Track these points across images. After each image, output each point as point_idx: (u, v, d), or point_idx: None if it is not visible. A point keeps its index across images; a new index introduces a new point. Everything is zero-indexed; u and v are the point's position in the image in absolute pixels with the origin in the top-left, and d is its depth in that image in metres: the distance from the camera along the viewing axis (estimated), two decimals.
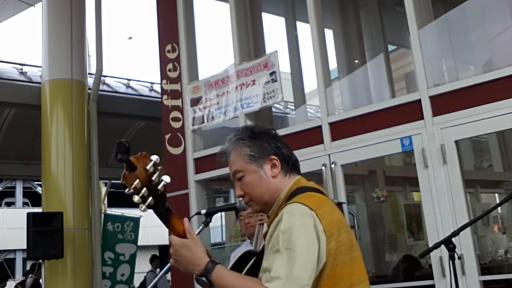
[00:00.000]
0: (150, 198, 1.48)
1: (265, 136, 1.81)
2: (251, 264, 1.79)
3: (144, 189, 1.46)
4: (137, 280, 10.50)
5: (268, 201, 1.78)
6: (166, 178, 1.51)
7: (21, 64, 9.10)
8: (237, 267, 1.81)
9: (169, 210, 1.58)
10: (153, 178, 1.47)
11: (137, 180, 1.45)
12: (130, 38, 26.30)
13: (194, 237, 1.63)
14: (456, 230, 2.87)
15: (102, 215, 9.80)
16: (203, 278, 1.59)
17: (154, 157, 1.49)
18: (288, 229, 1.56)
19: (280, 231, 1.57)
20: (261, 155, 1.77)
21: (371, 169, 6.93)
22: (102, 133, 7.86)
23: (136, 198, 1.46)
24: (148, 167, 1.47)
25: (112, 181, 12.68)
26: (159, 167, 1.49)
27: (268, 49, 6.12)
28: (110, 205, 14.63)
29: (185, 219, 1.66)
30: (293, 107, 8.15)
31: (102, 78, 8.38)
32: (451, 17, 5.30)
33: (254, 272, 1.66)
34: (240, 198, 1.85)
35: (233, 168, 1.80)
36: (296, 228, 1.56)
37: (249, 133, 1.80)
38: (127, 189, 1.46)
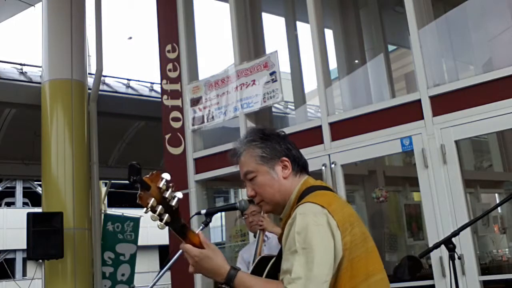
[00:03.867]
0: (167, 215, 1.54)
1: (276, 138, 1.85)
2: (269, 267, 1.83)
3: (160, 206, 1.52)
4: (137, 280, 10.49)
5: (279, 201, 1.81)
6: (179, 194, 1.57)
7: (21, 64, 9.09)
8: (256, 272, 1.87)
9: (185, 226, 1.63)
10: (166, 195, 1.54)
11: (152, 199, 1.51)
12: (130, 38, 26.34)
13: (211, 247, 1.66)
14: (456, 230, 2.87)
15: (102, 215, 9.80)
16: (225, 286, 1.63)
17: (166, 175, 1.55)
18: (303, 229, 1.60)
19: (295, 232, 1.61)
20: (272, 156, 1.81)
21: (371, 169, 6.93)
22: (102, 133, 7.86)
23: (153, 217, 1.53)
24: (160, 185, 1.53)
25: (112, 181, 12.67)
26: (170, 184, 1.55)
27: (268, 49, 6.13)
28: (110, 205, 14.62)
29: (199, 232, 1.71)
30: (293, 107, 8.15)
31: (102, 78, 8.38)
32: (451, 17, 5.30)
33: (273, 274, 1.71)
34: (241, 199, 1.87)
35: (244, 169, 1.83)
36: (311, 228, 1.60)
37: (260, 135, 1.84)
38: (144, 209, 1.52)
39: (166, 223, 1.55)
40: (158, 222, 1.54)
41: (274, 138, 1.84)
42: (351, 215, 1.70)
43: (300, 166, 1.84)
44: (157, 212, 1.52)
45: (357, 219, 1.72)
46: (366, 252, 1.67)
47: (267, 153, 1.80)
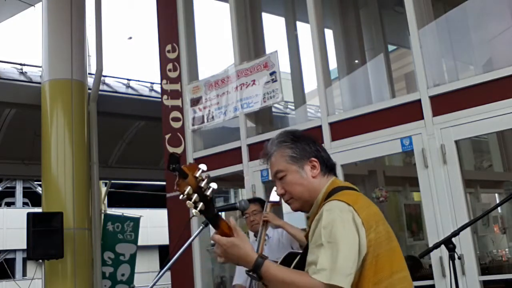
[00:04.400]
0: (201, 203, 1.60)
1: (306, 140, 1.94)
2: (296, 261, 1.88)
3: (195, 195, 1.59)
4: (137, 280, 10.49)
5: (307, 199, 1.89)
6: (213, 185, 1.63)
7: (21, 64, 9.09)
8: (284, 265, 1.90)
9: (217, 215, 1.69)
10: (202, 185, 1.60)
11: (189, 187, 1.57)
12: (130, 38, 26.34)
13: (241, 234, 1.71)
14: (456, 230, 2.86)
15: (102, 215, 9.79)
16: (253, 273, 1.69)
17: (202, 166, 1.62)
18: (329, 224, 1.68)
19: (321, 227, 1.68)
20: (302, 156, 1.89)
21: (371, 169, 6.93)
22: (102, 133, 7.86)
23: (188, 204, 1.59)
24: (197, 175, 1.60)
25: (112, 181, 12.67)
26: (206, 175, 1.61)
27: (268, 49, 6.13)
28: (110, 205, 14.62)
29: (231, 218, 1.75)
30: (293, 107, 8.15)
31: (102, 78, 8.37)
32: (451, 17, 5.30)
33: (299, 269, 1.76)
34: (241, 199, 1.89)
35: (275, 168, 1.92)
36: (336, 223, 1.68)
37: (291, 136, 1.93)
38: (180, 196, 1.59)
39: (201, 211, 1.60)
40: (193, 210, 1.60)
41: (304, 140, 1.93)
42: (376, 214, 1.77)
43: (329, 167, 1.93)
44: (193, 200, 1.58)
45: (382, 218, 1.79)
46: (391, 250, 1.74)
47: (297, 153, 1.89)
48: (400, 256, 1.78)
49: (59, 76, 7.27)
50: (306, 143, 1.92)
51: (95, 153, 7.65)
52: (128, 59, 25.85)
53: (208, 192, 1.61)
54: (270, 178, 1.99)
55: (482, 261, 6.38)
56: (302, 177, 1.87)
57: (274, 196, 3.65)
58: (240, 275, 4.10)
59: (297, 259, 1.89)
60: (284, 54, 7.04)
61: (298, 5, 6.93)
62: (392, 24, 8.27)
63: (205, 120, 5.90)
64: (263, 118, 6.09)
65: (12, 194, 23.85)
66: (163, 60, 6.41)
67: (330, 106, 5.09)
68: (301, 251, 1.97)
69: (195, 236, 2.27)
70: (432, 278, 4.18)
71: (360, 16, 7.86)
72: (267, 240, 4.06)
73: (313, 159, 1.89)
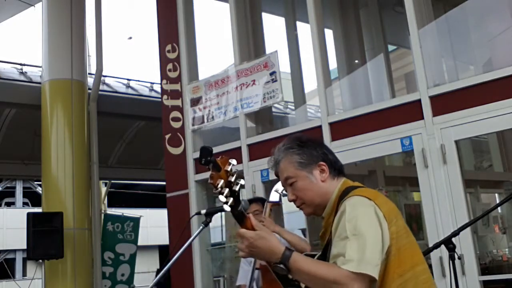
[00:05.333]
0: (231, 199, 1.62)
1: (313, 144, 1.96)
2: (317, 257, 1.89)
3: (227, 189, 1.61)
4: (137, 280, 10.49)
5: (319, 203, 1.91)
6: (242, 181, 1.65)
7: (21, 64, 9.09)
8: None
9: (242, 212, 1.71)
10: (232, 180, 1.62)
11: (222, 181, 1.60)
12: (130, 38, 26.35)
13: (264, 229, 1.74)
14: (456, 230, 2.86)
15: (102, 215, 9.80)
16: (281, 265, 1.68)
17: (233, 161, 1.65)
18: (353, 218, 1.70)
19: (346, 221, 1.70)
20: (310, 161, 1.91)
21: (371, 169, 6.92)
22: (102, 133, 7.86)
23: (221, 198, 1.60)
24: (228, 169, 1.62)
25: (112, 181, 12.67)
26: (236, 169, 1.63)
27: (268, 49, 6.13)
28: (110, 205, 14.63)
29: (250, 215, 1.76)
30: (293, 107, 8.15)
31: (102, 78, 8.38)
32: (451, 17, 5.30)
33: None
34: (241, 199, 1.89)
35: (284, 175, 1.93)
36: (360, 216, 1.70)
37: (297, 142, 1.95)
38: (213, 189, 1.60)
39: (231, 206, 1.62)
40: (225, 205, 1.61)
41: (310, 144, 1.95)
42: (394, 209, 1.81)
43: (337, 169, 1.95)
44: (224, 194, 1.59)
45: (399, 213, 1.82)
46: (410, 243, 1.78)
47: (305, 159, 1.90)
48: (419, 250, 1.82)
49: (59, 76, 7.28)
50: (313, 148, 1.93)
51: (95, 153, 7.65)
52: (128, 59, 25.87)
53: (237, 188, 1.62)
54: (281, 184, 2.00)
55: (482, 261, 6.37)
56: (312, 182, 1.89)
57: (274, 196, 3.65)
58: (243, 275, 4.09)
59: (316, 256, 1.90)
60: (284, 54, 7.04)
61: (298, 5, 6.93)
62: (392, 24, 8.26)
63: (205, 120, 5.90)
64: (263, 118, 6.09)
65: (12, 194, 23.85)
66: (163, 60, 6.41)
67: (330, 106, 5.09)
68: (316, 252, 1.98)
69: (195, 236, 2.27)
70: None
71: (360, 16, 7.86)
72: None
73: (321, 163, 1.91)
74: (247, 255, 1.75)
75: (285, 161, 1.92)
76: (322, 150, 1.94)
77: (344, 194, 1.83)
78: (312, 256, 1.93)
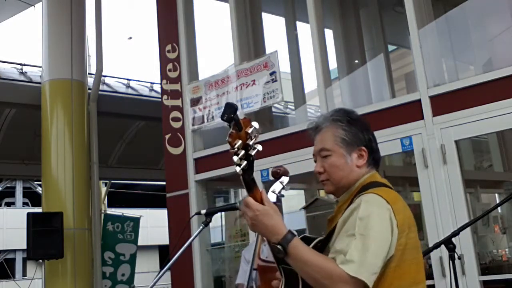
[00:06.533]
0: (245, 162, 1.53)
1: (361, 126, 1.83)
2: (314, 245, 1.79)
3: (243, 151, 1.52)
4: (137, 280, 10.49)
5: (344, 185, 1.80)
6: (259, 147, 1.56)
7: (21, 64, 9.09)
8: None
9: (254, 180, 1.61)
10: (250, 143, 1.53)
11: (240, 142, 1.51)
12: (130, 38, 26.34)
13: (273, 206, 1.65)
14: (456, 230, 2.87)
15: (102, 215, 9.79)
16: (279, 246, 1.62)
17: (255, 124, 1.55)
18: (366, 216, 1.60)
19: (357, 217, 1.61)
20: (353, 142, 1.79)
21: None
22: (102, 133, 7.86)
23: (235, 159, 1.52)
24: (249, 131, 1.53)
25: (112, 181, 12.67)
26: (257, 134, 1.55)
27: (268, 49, 6.13)
28: (110, 205, 14.62)
29: (262, 190, 1.67)
30: (293, 107, 8.15)
31: (102, 78, 8.38)
32: (451, 17, 5.30)
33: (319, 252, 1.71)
34: (241, 199, 1.87)
35: (321, 145, 1.82)
36: (374, 217, 1.60)
37: (347, 117, 1.82)
38: (230, 148, 1.52)
39: (243, 169, 1.54)
40: (237, 167, 1.53)
41: (359, 124, 1.83)
42: (410, 218, 1.71)
43: (375, 160, 1.84)
44: (240, 156, 1.52)
45: (414, 224, 1.72)
46: (418, 259, 1.71)
47: (349, 137, 1.79)
48: (423, 268, 1.74)
49: (59, 76, 7.28)
50: (360, 130, 1.81)
51: (95, 153, 7.65)
52: (128, 59, 25.86)
53: (253, 153, 1.54)
54: (313, 152, 1.86)
55: (482, 261, 6.37)
56: (347, 163, 1.78)
57: (270, 197, 3.64)
58: (243, 274, 4.10)
59: (314, 243, 1.80)
60: (284, 54, 7.04)
61: (298, 5, 6.93)
62: (392, 24, 8.26)
63: (205, 120, 5.90)
64: (263, 118, 6.08)
65: (12, 194, 23.86)
66: (163, 60, 6.41)
67: (330, 106, 5.09)
68: (316, 236, 1.88)
69: (195, 236, 2.27)
70: (432, 278, 4.17)
71: (360, 16, 7.86)
72: (266, 240, 4.04)
73: (363, 148, 1.79)
74: (250, 227, 1.68)
75: (328, 132, 1.80)
76: (368, 136, 1.81)
77: (366, 187, 1.72)
78: (312, 239, 1.84)
